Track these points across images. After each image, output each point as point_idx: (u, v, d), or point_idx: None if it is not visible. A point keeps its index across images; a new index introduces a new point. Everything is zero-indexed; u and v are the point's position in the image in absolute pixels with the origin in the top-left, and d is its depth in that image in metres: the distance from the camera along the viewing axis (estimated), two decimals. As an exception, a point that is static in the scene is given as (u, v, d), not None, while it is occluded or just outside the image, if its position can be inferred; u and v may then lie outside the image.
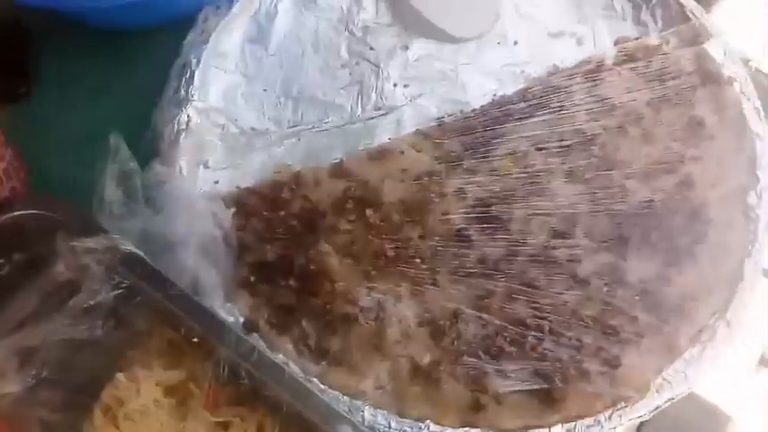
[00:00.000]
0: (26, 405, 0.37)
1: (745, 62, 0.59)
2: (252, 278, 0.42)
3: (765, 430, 0.50)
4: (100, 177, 0.41)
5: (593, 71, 0.50)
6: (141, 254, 0.39)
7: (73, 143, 0.49)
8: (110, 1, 0.45)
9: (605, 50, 0.53)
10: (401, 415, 0.39)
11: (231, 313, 0.42)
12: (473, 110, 0.49)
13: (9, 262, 0.39)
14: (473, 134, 0.48)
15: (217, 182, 0.47)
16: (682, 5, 0.54)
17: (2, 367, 0.36)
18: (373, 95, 0.51)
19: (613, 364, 0.41)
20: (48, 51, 0.54)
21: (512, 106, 0.49)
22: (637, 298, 0.43)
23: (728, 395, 0.48)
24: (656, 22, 0.54)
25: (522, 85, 0.51)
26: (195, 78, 0.49)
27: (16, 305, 0.37)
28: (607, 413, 0.40)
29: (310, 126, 0.50)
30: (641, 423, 0.45)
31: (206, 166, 0.48)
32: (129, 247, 0.39)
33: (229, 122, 0.50)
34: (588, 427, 0.39)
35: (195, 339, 0.37)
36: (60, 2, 0.46)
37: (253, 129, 0.50)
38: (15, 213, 0.39)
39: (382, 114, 0.51)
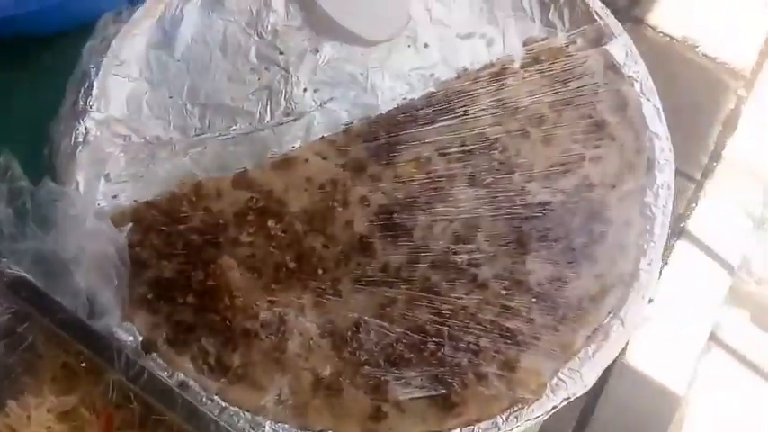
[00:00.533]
0: None
1: (693, 48, 0.61)
2: (150, 295, 0.42)
3: (716, 408, 0.52)
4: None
5: (497, 74, 0.51)
6: (28, 277, 0.38)
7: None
8: None
9: (514, 51, 0.54)
10: (303, 428, 0.40)
11: (130, 332, 0.41)
12: (378, 115, 0.49)
13: None
14: (377, 140, 0.48)
15: (115, 196, 0.46)
16: (587, 5, 0.54)
17: None
18: (282, 101, 0.51)
19: (510, 366, 0.42)
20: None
21: (416, 111, 0.49)
22: (534, 300, 0.44)
23: (679, 375, 0.50)
24: (563, 22, 0.55)
25: (431, 89, 0.51)
26: (94, 88, 0.48)
27: None
28: (504, 415, 0.41)
29: (217, 134, 0.49)
30: (594, 406, 0.47)
31: (107, 179, 0.47)
32: (15, 270, 0.38)
33: (132, 133, 0.49)
34: (486, 429, 0.40)
35: (83, 364, 0.36)
36: None
37: (158, 138, 0.49)
38: None
39: (292, 120, 0.50)
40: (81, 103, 0.47)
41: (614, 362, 0.45)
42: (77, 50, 0.50)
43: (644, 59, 0.53)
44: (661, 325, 0.51)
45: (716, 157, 0.58)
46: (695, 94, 0.60)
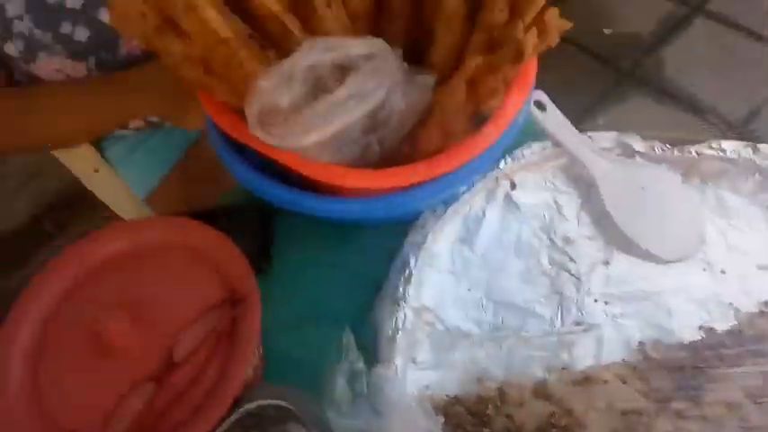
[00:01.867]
0: None
1: None
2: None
3: None
4: (331, 373, 0.46)
5: (813, 320, 0.49)
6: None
7: (299, 322, 0.55)
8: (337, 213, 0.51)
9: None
10: None
11: None
12: (680, 344, 0.49)
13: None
14: (682, 373, 0.48)
15: (427, 386, 0.50)
16: None
17: None
18: (573, 309, 0.53)
19: None
20: (285, 231, 0.62)
21: (723, 350, 0.48)
22: None
23: None
24: None
25: (732, 322, 0.51)
26: (413, 277, 0.54)
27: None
28: None
29: (510, 333, 0.53)
30: None
31: (414, 363, 0.52)
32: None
33: (437, 321, 0.54)
34: None
35: None
36: (290, 204, 0.51)
37: (458, 328, 0.53)
38: (260, 403, 0.45)
39: (583, 330, 0.52)
40: (401, 289, 0.54)
41: None
42: (397, 234, 0.57)
43: None
44: None
45: None
46: None
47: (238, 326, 0.46)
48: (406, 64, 0.49)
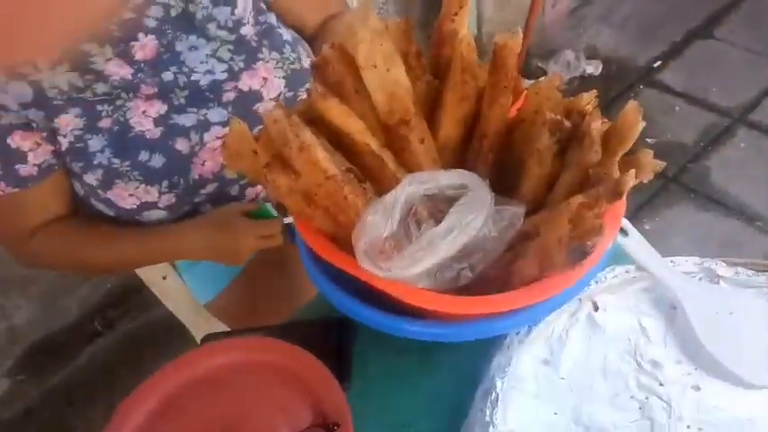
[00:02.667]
0: None
1: None
2: None
3: None
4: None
5: None
6: None
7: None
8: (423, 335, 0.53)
9: None
10: None
11: None
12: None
13: None
14: None
15: None
16: None
17: None
18: (667, 436, 0.52)
19: None
20: (367, 346, 0.63)
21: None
22: None
23: None
24: None
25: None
26: (499, 401, 0.54)
27: None
28: None
29: (603, 460, 0.51)
30: None
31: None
32: None
33: (524, 446, 0.53)
34: None
35: None
36: (388, 328, 0.53)
37: (545, 455, 0.52)
38: None
39: (678, 464, 0.51)
40: (487, 413, 0.53)
41: None
42: (480, 349, 0.58)
43: None
44: None
45: None
46: None
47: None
48: (493, 193, 0.52)
